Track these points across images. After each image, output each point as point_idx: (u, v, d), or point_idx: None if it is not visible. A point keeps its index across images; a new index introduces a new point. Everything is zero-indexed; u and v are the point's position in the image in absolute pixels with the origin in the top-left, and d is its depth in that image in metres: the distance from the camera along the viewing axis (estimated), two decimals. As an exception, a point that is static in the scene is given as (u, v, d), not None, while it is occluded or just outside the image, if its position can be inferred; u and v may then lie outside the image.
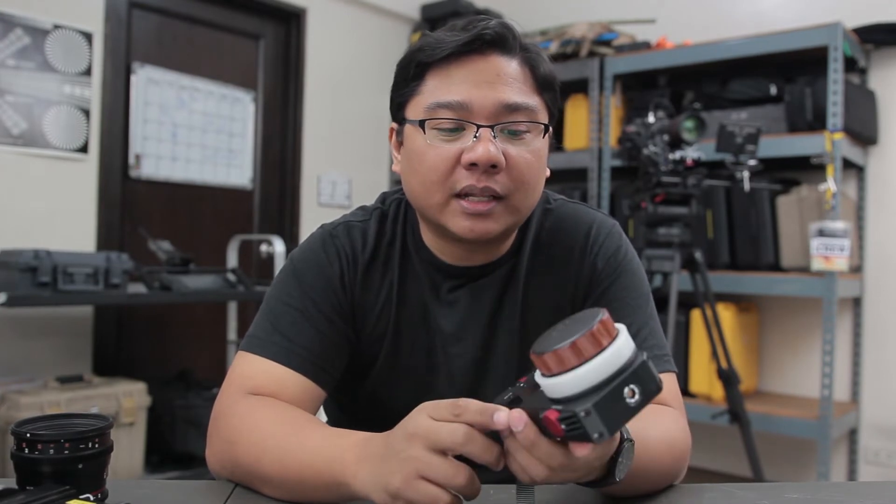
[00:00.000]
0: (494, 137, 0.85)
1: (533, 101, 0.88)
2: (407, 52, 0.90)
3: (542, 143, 0.89)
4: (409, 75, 0.89)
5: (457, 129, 0.86)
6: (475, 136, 0.84)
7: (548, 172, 0.94)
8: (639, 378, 0.55)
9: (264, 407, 0.83)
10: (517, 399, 0.64)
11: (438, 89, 0.86)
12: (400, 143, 0.93)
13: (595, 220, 0.99)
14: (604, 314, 0.57)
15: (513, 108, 0.86)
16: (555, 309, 0.96)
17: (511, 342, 0.96)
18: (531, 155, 0.87)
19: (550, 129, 0.93)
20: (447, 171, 0.85)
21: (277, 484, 0.77)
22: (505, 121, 0.85)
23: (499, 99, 0.85)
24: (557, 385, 0.57)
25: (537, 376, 0.60)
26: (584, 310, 0.62)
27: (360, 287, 0.95)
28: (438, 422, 0.63)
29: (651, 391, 0.56)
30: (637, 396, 0.55)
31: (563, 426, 0.56)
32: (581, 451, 0.59)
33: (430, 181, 0.87)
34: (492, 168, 0.84)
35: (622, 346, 0.57)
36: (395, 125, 0.95)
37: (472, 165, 0.84)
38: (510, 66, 0.87)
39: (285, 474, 0.75)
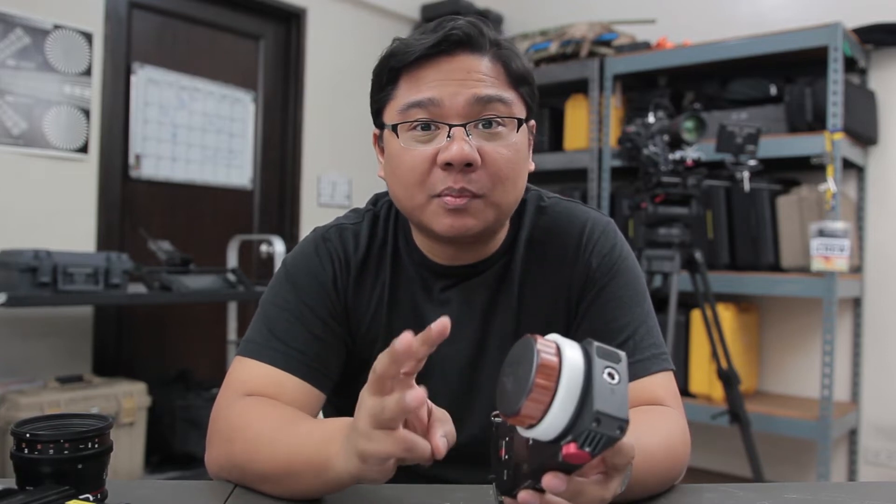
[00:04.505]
0: (468, 136, 0.85)
1: (507, 94, 0.88)
2: (380, 58, 0.91)
3: (518, 137, 0.89)
4: (383, 81, 0.90)
5: (431, 130, 0.86)
6: (448, 136, 0.85)
7: (532, 166, 0.94)
8: (605, 359, 0.55)
9: (259, 406, 0.84)
10: (519, 469, 0.62)
11: (411, 90, 0.87)
12: (382, 149, 0.94)
13: (589, 218, 0.98)
14: (534, 341, 0.56)
15: (485, 101, 0.86)
16: (550, 308, 0.96)
17: (505, 341, 0.96)
18: (507, 150, 0.87)
19: (532, 123, 0.93)
20: (424, 173, 0.86)
21: (273, 479, 0.77)
22: (478, 117, 0.85)
23: (469, 95, 0.85)
24: (550, 427, 0.55)
25: (524, 432, 0.57)
26: (519, 341, 0.58)
27: (352, 290, 0.95)
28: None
29: (619, 360, 0.55)
30: (616, 375, 0.55)
31: (587, 449, 0.54)
32: (618, 457, 0.59)
33: (409, 183, 0.87)
34: (467, 167, 0.84)
35: (570, 351, 0.55)
36: (377, 131, 0.95)
37: (448, 165, 0.84)
38: (481, 64, 0.87)
39: (278, 467, 0.76)
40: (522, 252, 0.97)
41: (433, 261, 0.96)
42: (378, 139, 0.95)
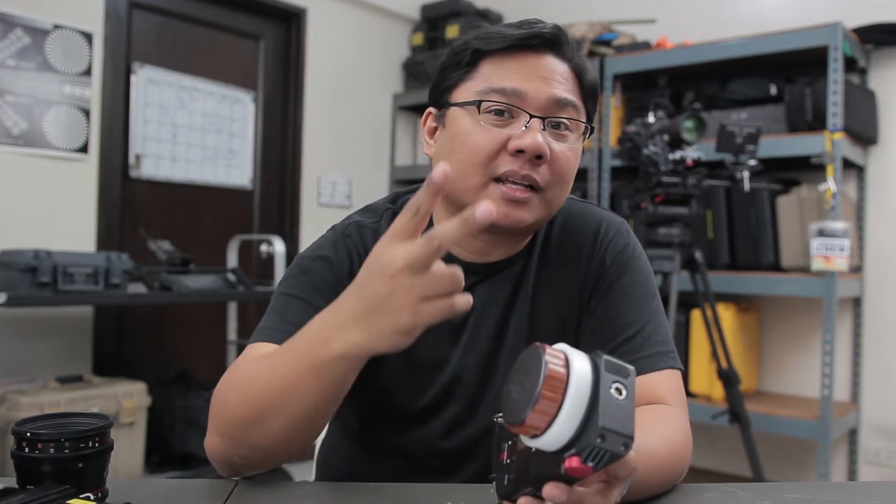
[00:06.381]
0: (543, 130, 0.87)
1: (579, 103, 0.92)
2: (462, 39, 0.94)
3: (580, 145, 0.92)
4: (463, 61, 0.92)
5: (507, 116, 0.88)
6: (525, 125, 0.87)
7: None
8: (613, 374, 0.54)
9: (251, 360, 0.83)
10: (520, 475, 0.61)
11: (493, 75, 0.89)
12: (435, 128, 0.96)
13: (604, 218, 1.01)
14: (542, 351, 0.55)
15: (563, 104, 0.89)
16: (564, 306, 0.97)
17: (519, 337, 0.96)
18: (572, 153, 0.90)
19: (588, 134, 0.95)
20: (492, 155, 0.87)
21: (273, 410, 0.75)
22: (554, 115, 0.88)
23: (551, 93, 0.88)
24: (553, 439, 0.54)
25: (527, 441, 0.57)
26: (527, 349, 0.58)
27: None
28: (406, 245, 0.64)
29: (627, 374, 0.55)
30: (624, 390, 0.54)
31: (590, 464, 0.53)
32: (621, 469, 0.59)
33: (472, 163, 0.88)
34: (537, 159, 0.87)
35: (578, 364, 0.55)
36: (433, 110, 0.97)
37: (519, 152, 0.86)
38: (562, 68, 0.91)
39: (273, 394, 0.75)
40: (539, 250, 0.99)
41: (459, 258, 0.96)
42: (436, 117, 0.96)
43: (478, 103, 0.88)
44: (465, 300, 0.65)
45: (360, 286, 0.68)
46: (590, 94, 0.94)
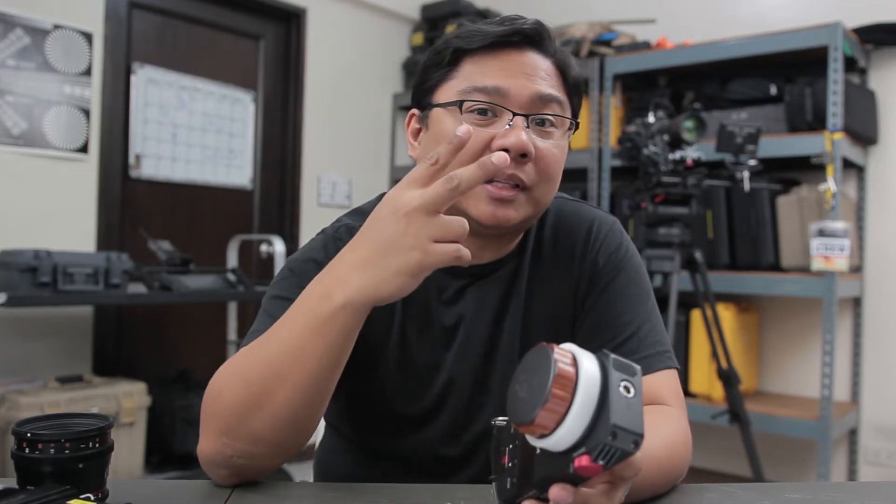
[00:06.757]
0: (527, 127, 0.86)
1: (563, 98, 0.90)
2: (442, 39, 0.92)
3: (566, 141, 0.91)
4: (444, 60, 0.90)
5: (490, 115, 0.87)
6: (509, 124, 0.86)
7: None
8: (621, 372, 0.54)
9: (240, 353, 0.82)
10: (524, 478, 0.60)
11: (475, 74, 0.88)
12: (419, 130, 0.94)
13: (596, 217, 0.99)
14: (550, 350, 0.54)
15: (547, 100, 0.88)
16: (558, 306, 0.96)
17: (513, 340, 0.96)
18: (557, 150, 0.89)
19: (573, 130, 0.94)
20: (476, 155, 0.85)
21: (273, 386, 0.73)
22: (538, 112, 0.87)
23: (535, 90, 0.87)
24: (563, 438, 0.54)
25: (533, 441, 0.56)
26: (534, 349, 0.57)
27: None
28: (422, 188, 0.67)
29: (634, 373, 0.55)
30: (632, 388, 0.54)
31: (600, 463, 0.53)
32: (628, 469, 0.59)
33: (457, 163, 0.86)
34: (521, 157, 0.85)
35: (587, 363, 0.55)
36: (416, 112, 0.95)
37: (504, 151, 0.84)
38: (545, 63, 0.90)
39: (273, 368, 0.73)
40: (531, 250, 0.98)
41: None
42: (418, 119, 0.95)
43: (459, 103, 0.87)
44: (467, 251, 0.68)
45: (366, 232, 0.70)
46: (574, 89, 0.93)
